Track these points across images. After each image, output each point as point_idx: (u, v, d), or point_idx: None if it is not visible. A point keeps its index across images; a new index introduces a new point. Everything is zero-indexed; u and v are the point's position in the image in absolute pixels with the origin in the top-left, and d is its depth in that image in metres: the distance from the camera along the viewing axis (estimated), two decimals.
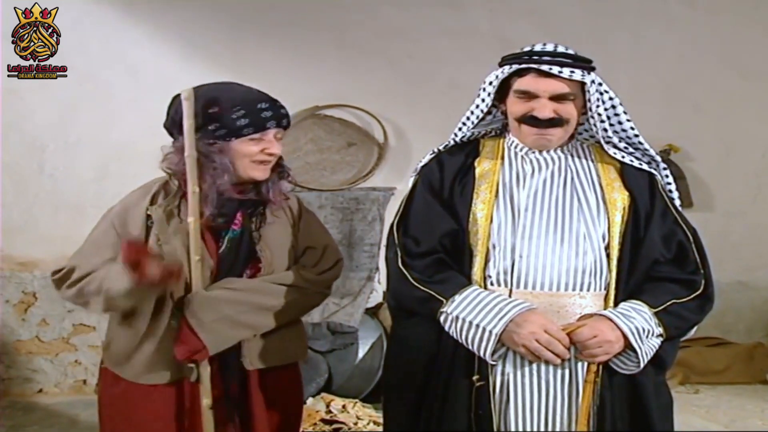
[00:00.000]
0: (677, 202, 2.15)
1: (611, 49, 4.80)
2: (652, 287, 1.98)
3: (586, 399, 1.93)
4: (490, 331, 1.89)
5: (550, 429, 2.00)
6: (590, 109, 2.05)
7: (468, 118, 2.20)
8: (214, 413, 2.11)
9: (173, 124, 2.12)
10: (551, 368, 1.99)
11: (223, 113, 2.06)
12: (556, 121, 2.02)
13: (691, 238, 2.05)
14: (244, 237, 2.16)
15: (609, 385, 1.96)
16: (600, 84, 2.06)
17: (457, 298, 1.94)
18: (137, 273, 1.93)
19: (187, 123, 2.05)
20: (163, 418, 2.10)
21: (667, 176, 2.14)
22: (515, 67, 2.03)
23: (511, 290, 1.99)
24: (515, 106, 2.07)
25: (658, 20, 5.00)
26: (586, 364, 1.96)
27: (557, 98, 2.01)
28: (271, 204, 2.19)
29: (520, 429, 2.01)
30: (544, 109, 2.01)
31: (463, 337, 1.94)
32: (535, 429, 2.00)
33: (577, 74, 1.99)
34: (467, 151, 2.17)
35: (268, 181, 2.17)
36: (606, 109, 2.07)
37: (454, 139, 2.21)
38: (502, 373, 2.01)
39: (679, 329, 1.99)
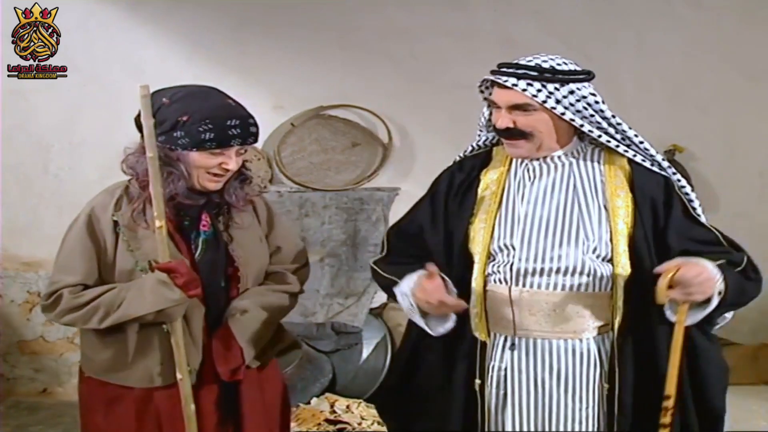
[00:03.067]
0: (699, 210, 2.12)
1: (616, 49, 4.78)
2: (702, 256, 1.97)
3: (677, 348, 1.93)
4: (404, 293, 2.04)
5: (546, 428, 2.02)
6: (572, 120, 2.02)
7: (478, 126, 2.25)
8: (216, 415, 2.16)
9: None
10: (546, 367, 2.02)
11: (191, 123, 2.05)
12: (515, 132, 2.04)
13: (719, 234, 2.07)
14: (218, 237, 2.18)
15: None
16: (584, 97, 2.02)
17: (405, 277, 2.07)
18: (190, 290, 2.02)
19: (148, 123, 2.05)
20: (155, 421, 2.13)
21: (679, 180, 2.10)
22: (484, 79, 2.10)
23: (510, 288, 2.02)
24: (492, 117, 2.13)
25: (663, 21, 4.98)
26: (580, 363, 2.00)
27: (515, 108, 2.02)
28: (236, 207, 2.22)
29: (517, 428, 2.03)
30: (501, 120, 2.04)
31: (403, 307, 2.08)
32: (531, 428, 2.02)
33: (521, 85, 1.98)
34: (478, 162, 2.22)
35: (229, 187, 2.18)
36: (591, 116, 2.03)
37: (472, 146, 2.27)
38: (499, 369, 2.05)
39: (734, 293, 1.96)
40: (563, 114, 2.00)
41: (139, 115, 2.15)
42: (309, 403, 4.13)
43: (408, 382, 2.23)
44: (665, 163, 2.10)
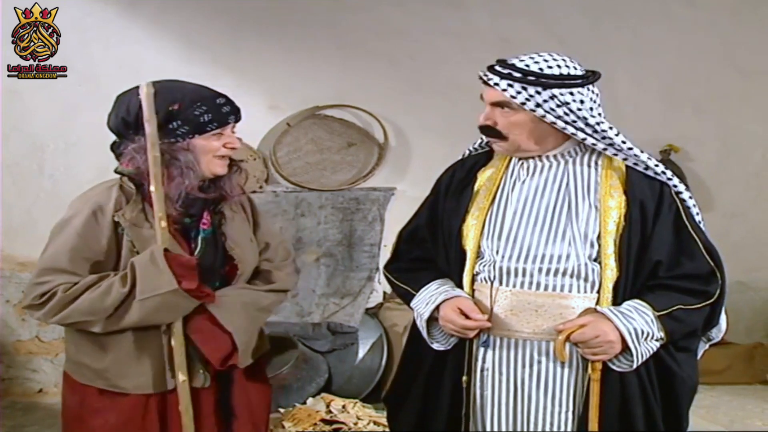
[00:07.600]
0: (694, 211, 2.09)
1: (611, 49, 4.80)
2: (660, 292, 1.97)
3: (595, 397, 1.95)
4: (421, 316, 2.11)
5: (524, 429, 2.02)
6: (553, 124, 2.01)
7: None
8: (215, 418, 2.13)
9: (125, 124, 2.05)
10: (526, 368, 2.02)
11: (184, 110, 2.02)
12: (494, 131, 2.06)
13: (702, 247, 2.01)
14: (216, 235, 2.16)
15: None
16: (565, 103, 1.98)
17: (420, 291, 2.15)
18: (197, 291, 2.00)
19: (152, 122, 1.98)
20: (151, 428, 2.09)
21: (675, 186, 2.07)
22: (479, 75, 2.11)
23: (493, 287, 2.03)
24: None
25: (659, 20, 5.00)
26: (561, 366, 2.00)
27: (497, 106, 2.04)
28: (228, 200, 2.19)
29: (495, 428, 2.04)
30: (482, 117, 2.08)
31: (418, 325, 2.16)
32: (510, 429, 2.03)
33: (502, 85, 2.00)
34: (480, 159, 2.24)
35: (225, 176, 2.15)
36: (573, 121, 2.00)
37: (479, 142, 2.27)
38: (482, 370, 2.07)
39: (684, 334, 1.98)
40: (544, 117, 2.00)
41: (115, 121, 2.08)
42: (305, 403, 4.13)
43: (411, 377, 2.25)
44: (659, 168, 2.07)
